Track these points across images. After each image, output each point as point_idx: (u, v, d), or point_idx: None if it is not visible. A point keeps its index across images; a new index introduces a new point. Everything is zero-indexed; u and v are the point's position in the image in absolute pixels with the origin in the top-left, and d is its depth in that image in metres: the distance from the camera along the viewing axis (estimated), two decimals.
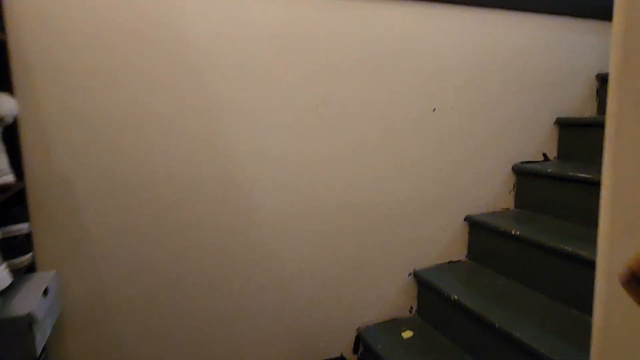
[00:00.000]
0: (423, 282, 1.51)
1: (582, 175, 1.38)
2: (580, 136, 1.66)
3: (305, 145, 1.33)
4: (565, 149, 1.72)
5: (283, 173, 1.31)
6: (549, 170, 1.50)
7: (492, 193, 1.65)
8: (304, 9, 1.26)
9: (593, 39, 1.75)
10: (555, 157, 1.74)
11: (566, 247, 1.21)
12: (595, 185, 1.36)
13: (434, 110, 1.49)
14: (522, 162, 1.67)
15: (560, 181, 1.48)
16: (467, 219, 1.60)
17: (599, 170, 1.42)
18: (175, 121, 1.17)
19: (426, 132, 1.49)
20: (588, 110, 1.79)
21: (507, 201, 1.68)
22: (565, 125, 1.71)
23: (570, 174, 1.42)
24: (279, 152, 1.30)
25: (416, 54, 1.43)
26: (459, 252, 1.62)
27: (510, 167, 1.67)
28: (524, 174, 1.64)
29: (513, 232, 1.38)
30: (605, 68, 1.79)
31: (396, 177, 1.47)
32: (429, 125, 1.49)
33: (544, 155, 1.72)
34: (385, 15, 1.37)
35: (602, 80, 1.77)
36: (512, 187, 1.68)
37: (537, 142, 1.71)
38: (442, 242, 1.58)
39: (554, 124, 1.73)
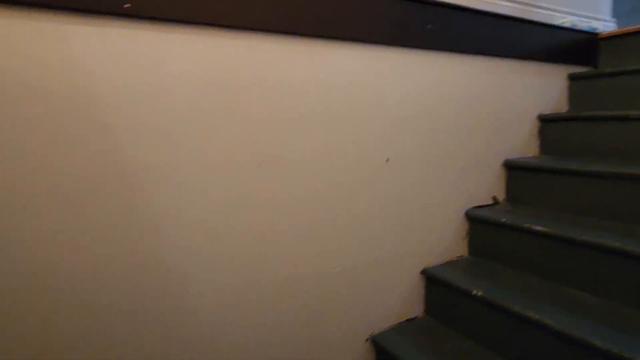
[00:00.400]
0: (381, 350, 1.37)
1: (539, 228, 1.34)
2: (528, 178, 1.64)
3: (247, 210, 1.13)
4: (514, 191, 1.69)
5: (221, 246, 1.11)
6: (503, 220, 1.45)
7: (446, 241, 1.57)
8: (244, 53, 1.08)
9: (534, 80, 1.76)
10: (504, 199, 1.72)
11: (532, 315, 1.14)
12: (551, 238, 1.32)
13: (387, 160, 1.38)
14: (474, 208, 1.62)
15: (515, 231, 1.43)
16: (424, 272, 1.50)
17: (554, 220, 1.39)
18: (72, 199, 0.92)
19: (380, 185, 1.37)
20: (531, 151, 1.79)
21: (460, 248, 1.61)
22: (512, 168, 1.69)
23: (526, 225, 1.38)
24: (217, 222, 1.09)
25: (368, 101, 1.31)
26: (415, 308, 1.51)
27: (463, 213, 1.60)
28: (476, 221, 1.58)
29: (474, 293, 1.29)
30: (545, 109, 1.81)
31: (350, 237, 1.32)
32: (383, 176, 1.37)
33: (494, 198, 1.69)
34: (335, 60, 1.23)
35: (543, 121, 1.79)
36: (465, 234, 1.62)
37: (486, 186, 1.66)
38: (399, 299, 1.47)
39: (502, 165, 1.70)
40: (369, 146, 1.33)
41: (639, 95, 1.67)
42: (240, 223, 1.12)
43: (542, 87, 1.80)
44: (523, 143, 1.76)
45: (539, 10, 1.76)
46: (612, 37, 1.90)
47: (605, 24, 2.04)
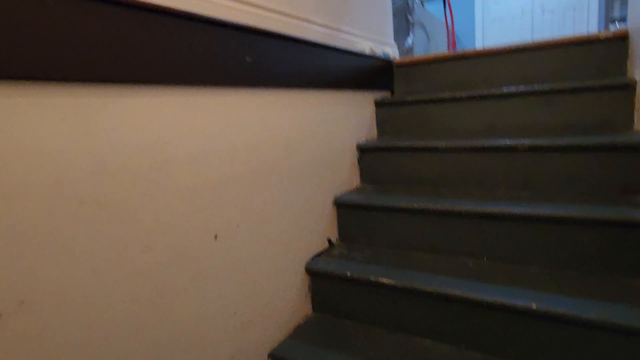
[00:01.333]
0: None
1: (385, 280, 1.26)
2: (354, 216, 1.57)
3: None
4: (345, 230, 1.60)
5: None
6: (349, 275, 1.32)
7: (291, 305, 1.35)
8: None
9: (351, 109, 1.71)
10: (337, 239, 1.61)
11: None
12: (398, 290, 1.26)
13: (215, 237, 1.04)
14: (312, 258, 1.45)
15: (360, 285, 1.32)
16: (272, 356, 1.24)
17: (389, 261, 1.29)
18: None
19: (209, 268, 1.03)
20: (354, 182, 1.75)
21: (305, 306, 1.42)
22: (340, 205, 1.59)
23: (373, 279, 1.28)
24: None
25: (181, 165, 0.94)
26: None
27: (303, 268, 1.41)
28: (317, 275, 1.41)
29: None
30: (361, 138, 1.79)
31: (179, 356, 0.94)
32: (213, 256, 1.03)
33: (329, 241, 1.56)
34: (125, 113, 0.81)
35: (361, 150, 1.76)
36: (307, 289, 1.43)
37: (322, 228, 1.52)
38: None
39: (332, 204, 1.59)
40: (189, 223, 0.97)
41: (431, 122, 1.81)
42: None
43: (358, 115, 1.77)
44: (348, 176, 1.69)
45: (346, 37, 1.71)
46: (404, 65, 2.03)
47: (393, 49, 2.18)
